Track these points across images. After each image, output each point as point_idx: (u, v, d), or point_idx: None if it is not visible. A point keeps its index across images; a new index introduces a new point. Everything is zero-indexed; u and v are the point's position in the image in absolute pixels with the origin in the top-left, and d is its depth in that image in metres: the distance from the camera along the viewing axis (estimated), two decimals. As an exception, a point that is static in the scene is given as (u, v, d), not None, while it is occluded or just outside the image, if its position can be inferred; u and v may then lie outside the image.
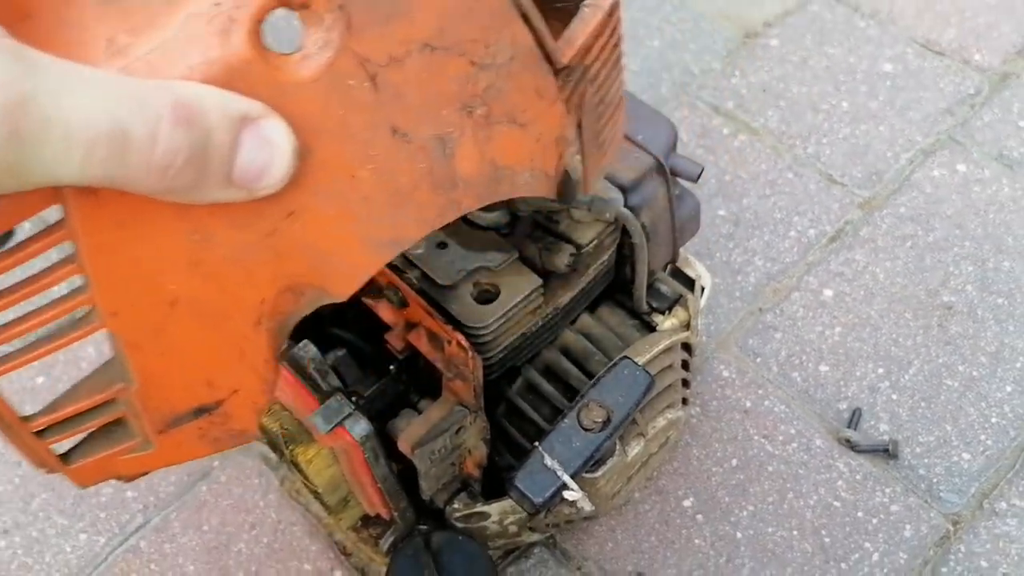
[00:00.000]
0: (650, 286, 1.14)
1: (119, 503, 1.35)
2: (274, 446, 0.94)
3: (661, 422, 1.06)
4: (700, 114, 1.71)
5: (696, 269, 1.23)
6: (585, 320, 1.08)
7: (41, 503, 1.35)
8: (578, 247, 0.96)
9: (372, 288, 0.96)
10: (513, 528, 1.06)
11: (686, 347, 1.11)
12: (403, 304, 0.94)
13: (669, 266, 1.18)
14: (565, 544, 1.27)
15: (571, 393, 1.01)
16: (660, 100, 1.73)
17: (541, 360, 1.06)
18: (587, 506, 0.90)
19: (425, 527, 1.03)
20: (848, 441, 1.32)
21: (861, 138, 1.66)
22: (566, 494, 0.88)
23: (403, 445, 0.92)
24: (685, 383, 1.13)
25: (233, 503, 1.34)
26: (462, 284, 0.94)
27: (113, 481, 1.39)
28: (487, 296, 0.94)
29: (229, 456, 1.37)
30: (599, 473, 0.98)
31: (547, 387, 1.03)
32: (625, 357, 0.94)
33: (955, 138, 1.66)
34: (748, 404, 1.38)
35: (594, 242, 0.97)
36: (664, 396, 1.06)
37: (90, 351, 1.44)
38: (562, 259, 0.93)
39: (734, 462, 1.33)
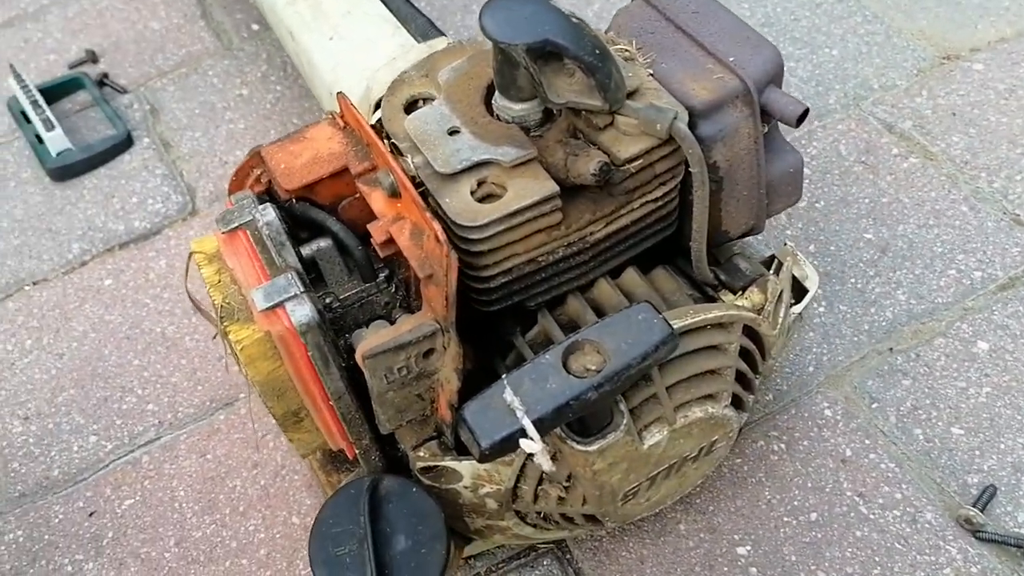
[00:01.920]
0: (728, 260, 0.93)
1: (138, 414, 1.27)
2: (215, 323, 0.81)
3: (696, 413, 0.84)
4: (868, 129, 1.47)
5: (803, 268, 1.00)
6: (630, 277, 0.88)
7: (67, 398, 1.30)
8: (614, 161, 0.78)
9: (369, 173, 0.82)
10: (492, 504, 0.87)
11: (752, 335, 0.89)
12: (395, 192, 0.79)
13: (778, 260, 0.96)
14: (582, 563, 1.05)
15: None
16: (825, 110, 1.50)
17: (565, 310, 0.87)
18: (546, 464, 0.70)
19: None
20: (970, 523, 1.02)
21: (1066, 181, 1.36)
22: (523, 443, 0.68)
23: (357, 354, 0.76)
24: (745, 381, 0.90)
25: (244, 438, 1.23)
26: (464, 177, 0.78)
27: (139, 391, 1.32)
28: (490, 195, 0.77)
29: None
30: (593, 447, 0.77)
31: (562, 338, 0.84)
32: (645, 302, 0.74)
33: None
34: (848, 453, 1.11)
35: (638, 161, 0.78)
36: (704, 381, 0.84)
37: (155, 258, 1.40)
38: (587, 165, 0.76)
39: (813, 516, 1.06)
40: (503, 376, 0.70)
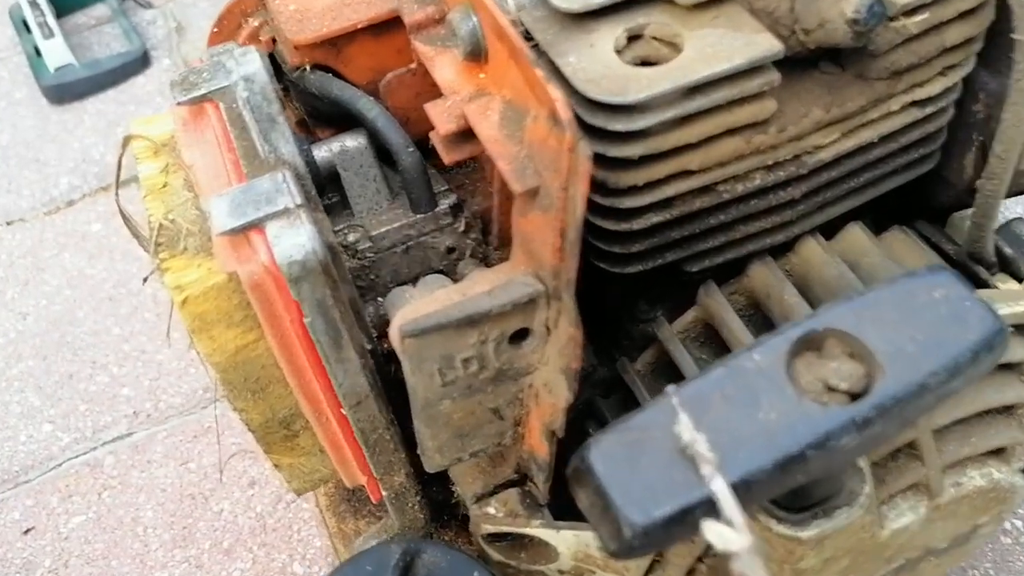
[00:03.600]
0: (1005, 226, 0.57)
1: (108, 399, 0.96)
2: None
3: (974, 480, 0.48)
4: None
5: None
6: (854, 237, 0.53)
7: (24, 371, 0.99)
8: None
9: (436, 26, 0.48)
10: (603, 601, 0.51)
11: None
12: (477, 51, 0.45)
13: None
14: None
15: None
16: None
17: (743, 284, 0.52)
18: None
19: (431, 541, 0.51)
20: None
21: None
22: (709, 529, 0.33)
23: (392, 328, 0.42)
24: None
25: (244, 445, 0.90)
26: (604, 23, 0.43)
27: (114, 370, 1.01)
28: (650, 59, 0.42)
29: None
30: (809, 532, 0.42)
31: (740, 330, 0.49)
32: (939, 266, 0.38)
33: None
34: None
35: (921, 13, 0.43)
36: (992, 427, 0.48)
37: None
38: (842, 5, 0.40)
39: (1079, 639, 0.69)
40: (669, 390, 0.35)
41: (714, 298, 0.51)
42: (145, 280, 0.48)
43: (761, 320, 0.53)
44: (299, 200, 0.41)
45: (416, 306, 0.43)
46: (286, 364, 0.45)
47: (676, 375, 0.53)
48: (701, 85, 0.41)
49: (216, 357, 0.44)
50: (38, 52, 1.28)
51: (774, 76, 0.42)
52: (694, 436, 0.34)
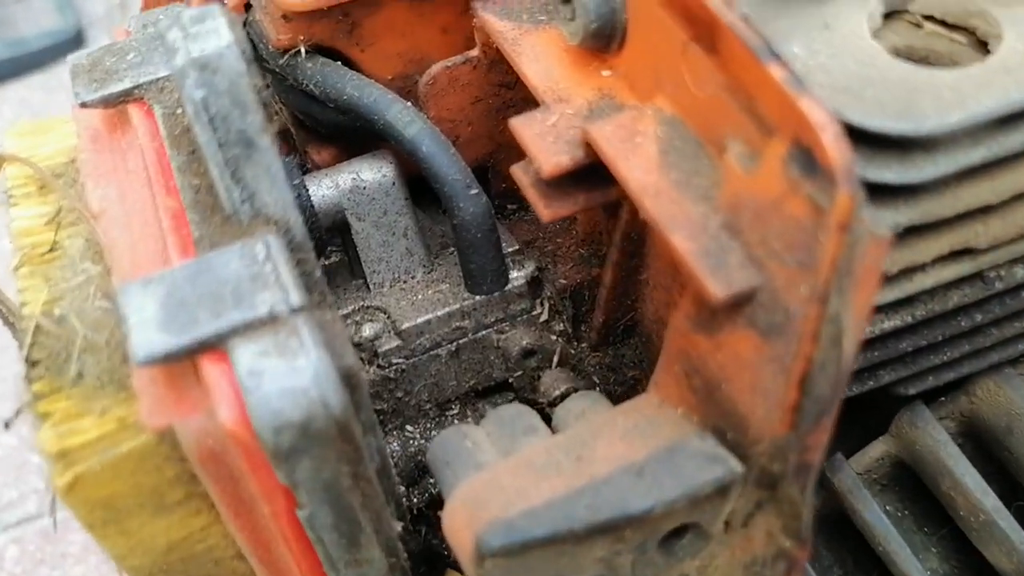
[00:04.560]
0: None
1: (13, 468, 0.75)
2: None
3: None
4: None
5: None
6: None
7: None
8: None
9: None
10: None
11: None
12: (606, 31, 0.26)
13: None
14: None
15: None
16: None
17: (963, 406, 0.34)
18: None
19: None
20: None
21: None
22: None
23: (457, 530, 0.23)
24: None
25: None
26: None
27: (22, 427, 0.80)
28: (922, 47, 0.24)
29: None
30: None
31: (974, 481, 0.31)
32: None
33: None
34: None
35: None
36: None
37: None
38: None
39: None
40: None
41: (927, 430, 0.33)
42: (7, 425, 0.27)
43: (974, 456, 0.35)
44: (297, 300, 0.21)
45: (496, 482, 0.23)
46: (259, 563, 0.26)
47: (852, 534, 0.35)
48: (1036, 106, 0.23)
49: (135, 559, 0.25)
50: (-52, 25, 1.07)
51: None
52: None
